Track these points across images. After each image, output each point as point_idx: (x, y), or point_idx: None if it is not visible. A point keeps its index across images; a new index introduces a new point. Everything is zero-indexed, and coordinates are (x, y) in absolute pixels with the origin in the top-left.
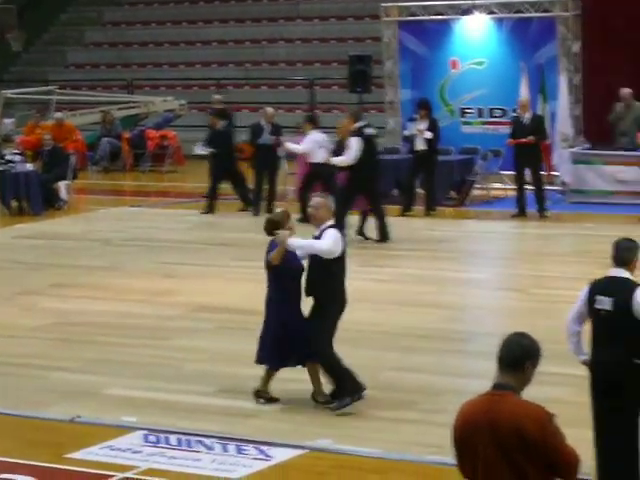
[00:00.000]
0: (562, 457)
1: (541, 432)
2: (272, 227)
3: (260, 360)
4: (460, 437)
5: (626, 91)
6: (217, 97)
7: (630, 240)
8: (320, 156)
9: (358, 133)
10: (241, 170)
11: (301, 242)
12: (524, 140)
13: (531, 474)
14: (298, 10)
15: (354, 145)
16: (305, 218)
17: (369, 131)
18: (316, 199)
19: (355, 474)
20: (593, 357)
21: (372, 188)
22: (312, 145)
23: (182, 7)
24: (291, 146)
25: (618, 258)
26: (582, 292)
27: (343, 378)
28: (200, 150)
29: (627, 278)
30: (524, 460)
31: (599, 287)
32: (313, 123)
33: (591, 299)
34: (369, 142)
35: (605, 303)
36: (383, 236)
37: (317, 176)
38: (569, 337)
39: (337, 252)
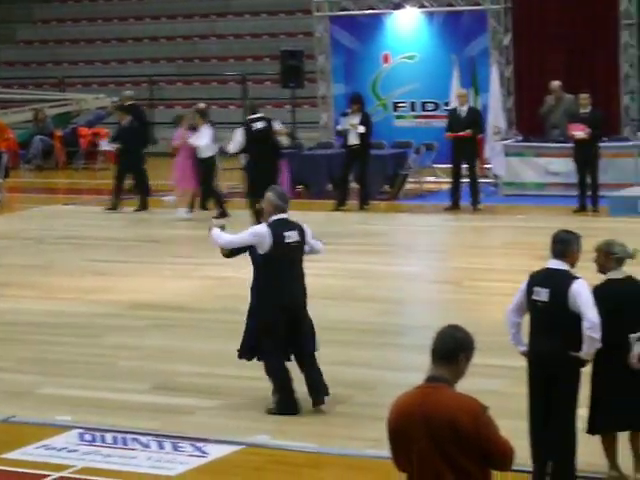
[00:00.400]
0: (496, 448)
1: (474, 424)
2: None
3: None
4: (394, 430)
5: (556, 84)
6: (127, 93)
7: (568, 232)
8: (211, 150)
9: (246, 125)
10: (143, 168)
11: (212, 233)
12: (462, 133)
13: (465, 466)
14: (230, 6)
15: (237, 136)
16: (205, 207)
17: (258, 125)
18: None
19: (291, 469)
20: (531, 348)
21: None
22: (208, 139)
23: (113, 4)
24: (193, 141)
25: (556, 250)
26: (522, 284)
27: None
28: (106, 146)
29: (565, 270)
30: (458, 452)
31: (537, 279)
32: (204, 117)
33: (529, 290)
34: (257, 135)
35: (542, 294)
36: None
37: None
38: (509, 328)
39: (237, 244)
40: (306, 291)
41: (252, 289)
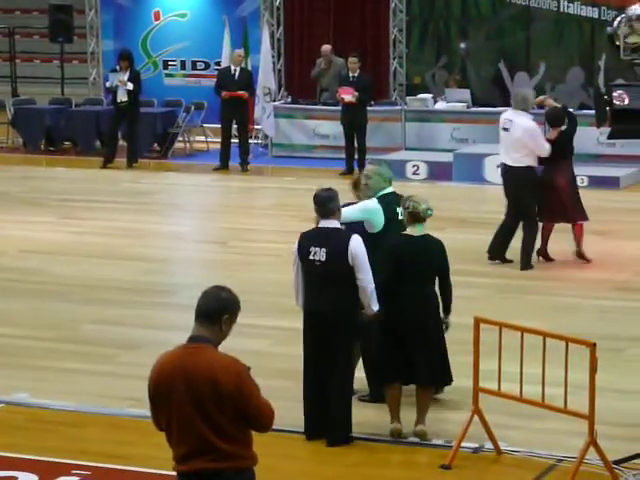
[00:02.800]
0: (256, 409)
1: (236, 384)
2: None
3: None
4: (155, 389)
5: (327, 47)
6: None
7: (328, 189)
8: None
9: None
10: None
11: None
12: (240, 93)
13: (225, 426)
14: None
15: None
16: None
17: None
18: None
19: (51, 427)
20: (308, 306)
21: None
22: None
23: None
24: None
25: (321, 210)
26: (294, 246)
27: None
28: None
29: (339, 228)
30: (218, 412)
31: (312, 239)
32: None
33: (305, 251)
34: None
35: (320, 254)
36: None
37: None
38: (294, 289)
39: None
40: None
41: None
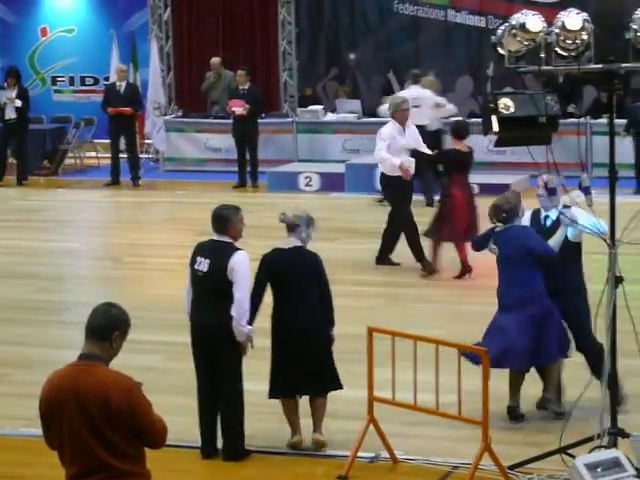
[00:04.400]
0: (148, 426)
1: (127, 401)
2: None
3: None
4: (46, 408)
5: (216, 60)
6: None
7: (227, 207)
8: None
9: None
10: None
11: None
12: (124, 109)
13: (117, 444)
14: None
15: None
16: None
17: None
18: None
19: None
20: (193, 318)
21: None
22: None
23: None
24: None
25: (215, 226)
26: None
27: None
28: None
29: (227, 242)
30: (110, 430)
31: (201, 249)
32: None
33: (192, 261)
34: None
35: (203, 265)
36: None
37: None
38: (186, 306)
39: None
40: None
41: None
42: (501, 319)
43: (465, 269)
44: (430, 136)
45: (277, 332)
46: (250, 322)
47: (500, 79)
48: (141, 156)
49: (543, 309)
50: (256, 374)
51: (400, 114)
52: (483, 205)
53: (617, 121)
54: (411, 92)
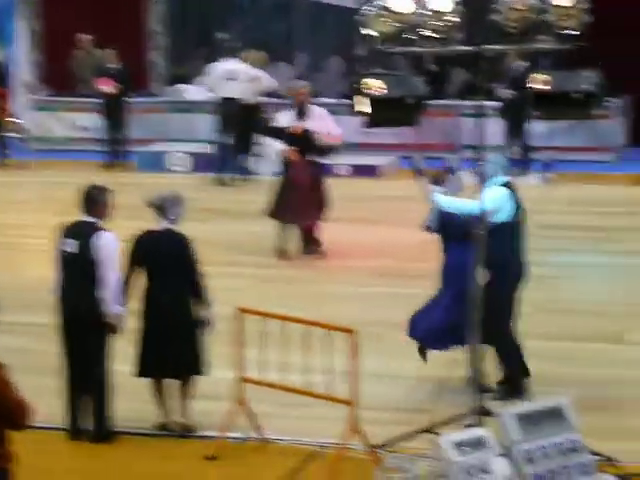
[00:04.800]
0: (10, 406)
1: None
2: None
3: None
4: None
5: (85, 38)
6: None
7: (96, 187)
8: None
9: None
10: None
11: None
12: None
13: None
14: None
15: None
16: None
17: None
18: None
19: None
20: (62, 297)
21: None
22: None
23: None
24: None
25: (83, 206)
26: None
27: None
28: None
29: (93, 222)
30: None
31: (67, 230)
32: None
33: (60, 242)
34: None
35: (70, 245)
36: None
37: None
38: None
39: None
40: None
41: None
42: None
43: (316, 245)
44: (248, 110)
45: (145, 313)
46: (122, 303)
47: (372, 60)
48: (8, 135)
49: None
50: (126, 355)
51: None
52: (355, 186)
53: (486, 103)
54: (226, 65)
